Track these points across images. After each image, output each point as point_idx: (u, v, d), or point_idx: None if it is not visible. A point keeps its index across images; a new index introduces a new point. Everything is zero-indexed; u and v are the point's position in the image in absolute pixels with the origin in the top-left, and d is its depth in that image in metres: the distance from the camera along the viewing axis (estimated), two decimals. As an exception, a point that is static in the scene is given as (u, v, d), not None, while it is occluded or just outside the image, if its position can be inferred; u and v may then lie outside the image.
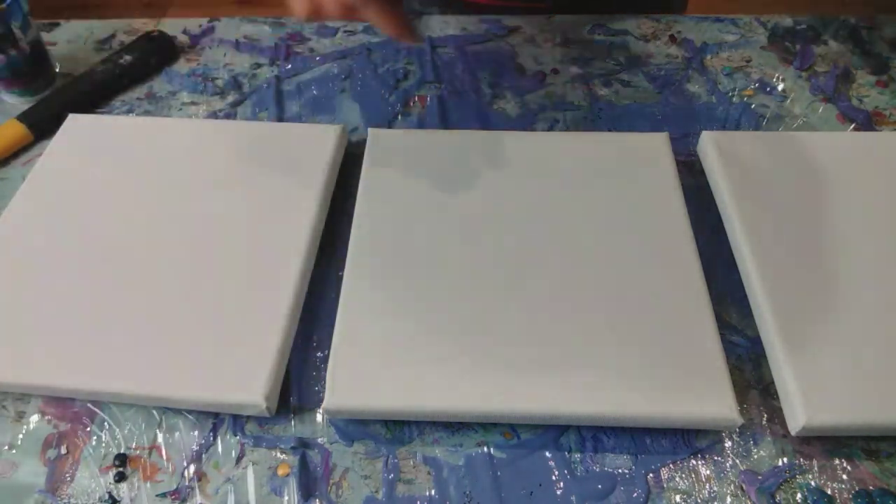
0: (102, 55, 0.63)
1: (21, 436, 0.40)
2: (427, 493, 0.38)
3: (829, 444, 0.39)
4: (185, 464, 0.39)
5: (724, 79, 0.61)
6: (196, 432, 0.40)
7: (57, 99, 0.58)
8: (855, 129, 0.56)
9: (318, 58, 0.63)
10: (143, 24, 0.67)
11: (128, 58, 0.61)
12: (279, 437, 0.40)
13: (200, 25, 0.67)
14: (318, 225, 0.48)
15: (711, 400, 0.38)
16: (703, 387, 0.39)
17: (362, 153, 0.51)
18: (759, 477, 0.38)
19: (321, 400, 0.40)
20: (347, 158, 0.53)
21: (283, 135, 0.53)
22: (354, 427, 0.40)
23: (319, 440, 0.40)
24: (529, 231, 0.46)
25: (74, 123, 0.54)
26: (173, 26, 0.67)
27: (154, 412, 0.41)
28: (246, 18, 0.67)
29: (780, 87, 0.60)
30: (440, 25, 0.66)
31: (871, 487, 0.38)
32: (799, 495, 0.37)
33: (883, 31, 0.65)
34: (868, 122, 0.57)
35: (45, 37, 0.65)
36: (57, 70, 0.62)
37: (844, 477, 0.38)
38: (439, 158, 0.51)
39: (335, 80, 0.61)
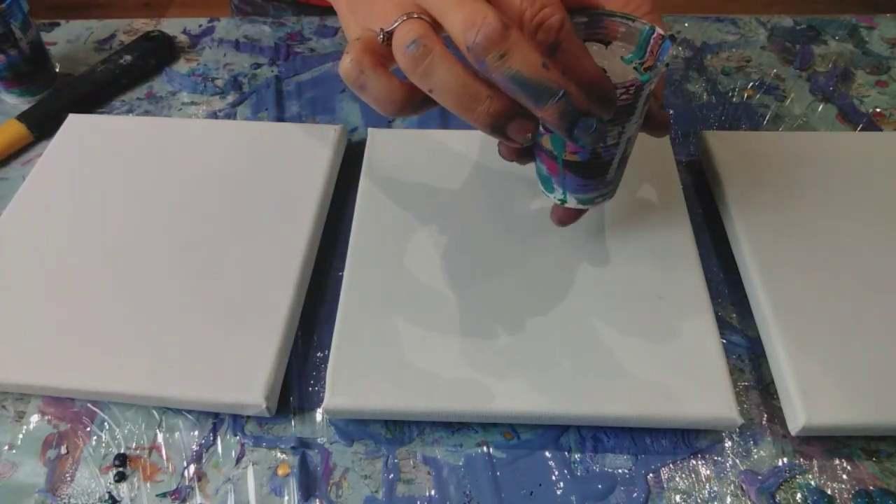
0: (102, 55, 0.63)
1: (21, 436, 0.40)
2: (427, 493, 0.38)
3: (829, 444, 0.39)
4: (185, 464, 0.39)
5: (723, 79, 0.61)
6: (196, 432, 0.40)
7: (57, 99, 0.58)
8: (855, 129, 0.56)
9: (317, 58, 0.63)
10: (143, 24, 0.67)
11: (128, 58, 0.61)
12: (279, 437, 0.40)
13: (200, 25, 0.67)
14: (318, 225, 0.48)
15: (711, 400, 0.38)
16: (703, 387, 0.39)
17: (362, 153, 0.51)
18: (759, 477, 0.38)
19: (321, 400, 0.40)
20: (347, 158, 0.53)
21: (283, 135, 0.53)
22: (354, 427, 0.40)
23: (319, 440, 0.40)
24: (529, 230, 0.46)
25: (74, 123, 0.54)
26: (173, 26, 0.67)
27: (154, 412, 0.41)
28: (246, 18, 0.67)
29: (780, 87, 0.60)
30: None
31: (871, 487, 0.38)
32: (799, 495, 0.37)
33: (883, 31, 0.65)
34: (868, 122, 0.57)
35: (45, 37, 0.65)
36: (57, 70, 0.62)
37: (844, 477, 0.38)
38: (439, 158, 0.51)
39: (335, 80, 0.61)
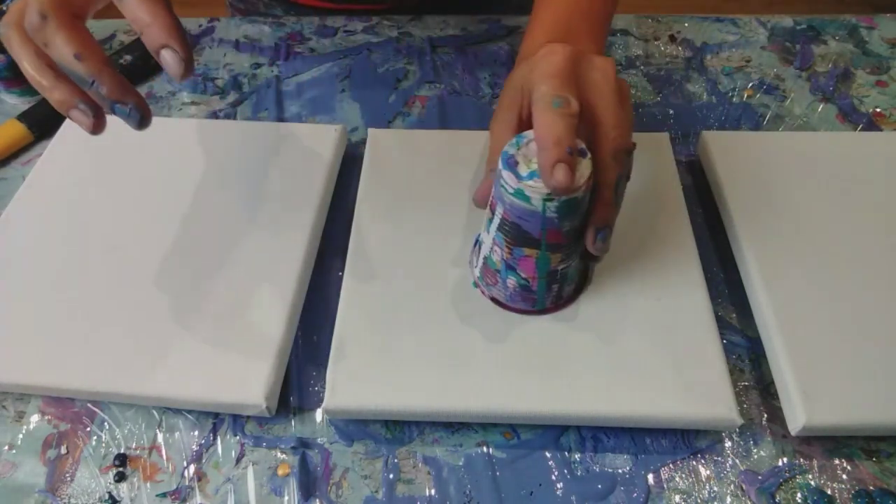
0: (102, 55, 0.63)
1: (21, 436, 0.40)
2: (427, 493, 0.38)
3: (829, 444, 0.39)
4: (185, 464, 0.39)
5: (723, 79, 0.61)
6: (196, 432, 0.40)
7: (57, 99, 0.58)
8: (855, 129, 0.56)
9: (317, 58, 0.63)
10: (143, 24, 0.67)
11: (128, 58, 0.61)
12: (279, 437, 0.40)
13: (200, 25, 0.67)
14: (318, 225, 0.48)
15: (711, 400, 0.38)
16: (703, 387, 0.39)
17: (362, 153, 0.51)
18: (759, 477, 0.38)
19: (321, 400, 0.40)
20: (347, 158, 0.53)
21: (283, 135, 0.53)
22: (354, 427, 0.40)
23: (319, 440, 0.40)
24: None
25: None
26: (173, 26, 0.66)
27: (154, 412, 0.41)
28: (246, 18, 0.67)
29: (780, 87, 0.60)
30: (440, 25, 0.66)
31: (871, 487, 0.38)
32: (799, 495, 0.37)
33: (883, 31, 0.65)
34: (868, 122, 0.57)
35: (45, 37, 0.65)
36: (57, 70, 0.62)
37: (844, 477, 0.38)
38: (439, 158, 0.51)
39: (335, 80, 0.61)
